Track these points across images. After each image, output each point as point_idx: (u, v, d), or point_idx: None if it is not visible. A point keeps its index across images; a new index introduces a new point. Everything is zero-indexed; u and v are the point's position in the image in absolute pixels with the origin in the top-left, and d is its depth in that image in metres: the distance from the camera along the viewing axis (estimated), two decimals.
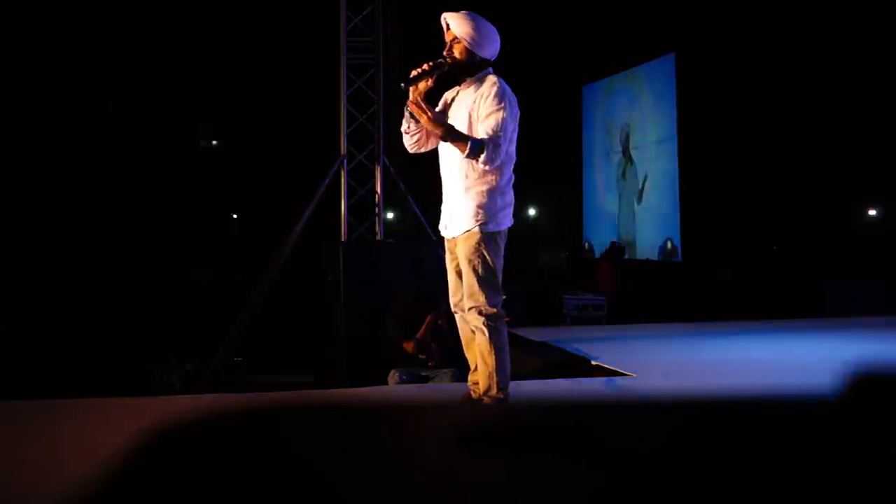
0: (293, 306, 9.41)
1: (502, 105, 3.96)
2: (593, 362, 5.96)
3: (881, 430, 0.60)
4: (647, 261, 13.09)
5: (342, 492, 0.56)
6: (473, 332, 4.12)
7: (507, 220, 4.10)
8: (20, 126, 14.30)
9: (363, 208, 9.17)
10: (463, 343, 4.26)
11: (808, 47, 11.43)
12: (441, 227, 4.25)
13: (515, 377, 4.77)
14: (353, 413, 0.69)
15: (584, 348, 6.37)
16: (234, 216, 19.78)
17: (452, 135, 3.97)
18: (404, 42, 9.71)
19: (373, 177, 9.09)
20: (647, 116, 13.33)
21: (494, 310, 4.03)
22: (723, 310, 9.62)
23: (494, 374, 4.01)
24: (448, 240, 4.21)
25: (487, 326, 4.01)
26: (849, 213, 12.53)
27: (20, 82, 14.13)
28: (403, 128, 4.21)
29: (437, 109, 4.20)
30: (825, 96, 11.28)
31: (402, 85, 4.11)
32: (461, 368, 6.35)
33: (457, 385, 5.90)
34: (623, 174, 15.44)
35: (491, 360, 4.01)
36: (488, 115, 3.96)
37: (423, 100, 4.03)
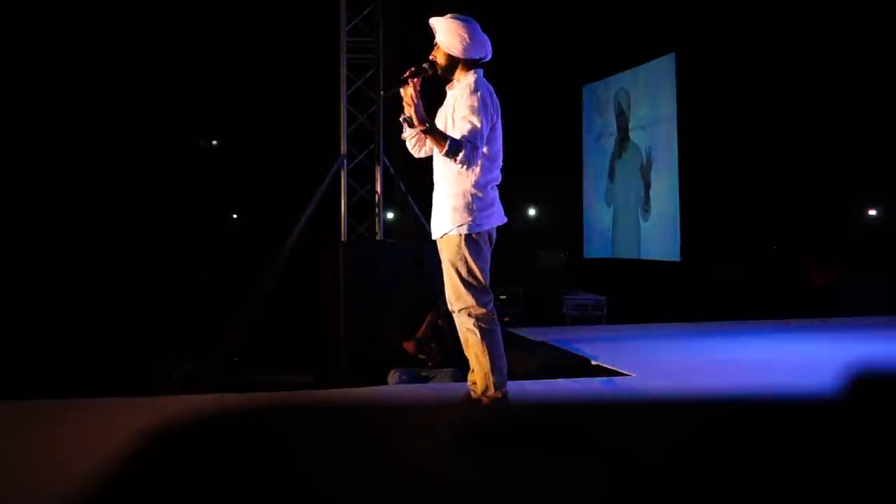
0: (293, 306, 9.40)
1: (475, 107, 3.97)
2: (593, 362, 5.96)
3: (881, 430, 0.60)
4: (647, 261, 13.08)
5: (341, 492, 0.56)
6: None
7: (487, 221, 4.10)
8: (19, 126, 14.30)
9: (363, 208, 9.17)
10: (462, 342, 4.27)
11: (808, 46, 11.44)
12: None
13: (515, 377, 4.77)
14: (353, 413, 0.69)
15: (584, 348, 6.37)
16: (234, 216, 19.79)
17: (434, 131, 3.97)
18: (404, 42, 9.70)
19: (373, 177, 9.09)
20: (646, 116, 13.30)
21: (484, 310, 4.03)
22: (723, 310, 9.61)
23: (490, 375, 4.01)
24: (436, 241, 4.23)
25: (478, 328, 4.01)
26: (849, 213, 12.53)
27: (20, 82, 14.13)
28: (403, 135, 4.26)
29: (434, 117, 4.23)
30: (825, 96, 11.28)
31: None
32: (461, 368, 6.35)
33: (457, 385, 5.90)
34: (611, 173, 14.22)
35: (485, 361, 4.01)
36: (462, 119, 3.98)
37: (417, 95, 4.03)
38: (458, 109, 4.03)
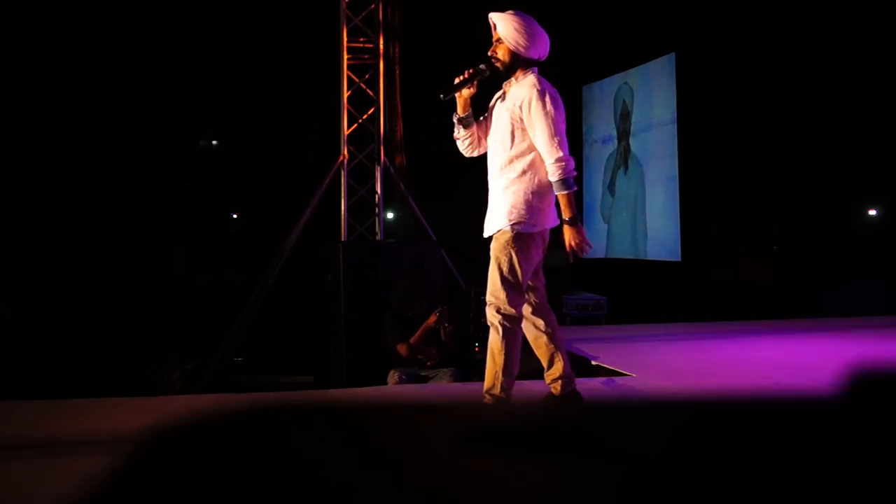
0: (293, 306, 9.40)
1: (547, 108, 3.98)
2: (593, 362, 5.96)
3: (881, 430, 0.60)
4: (647, 261, 13.07)
5: (341, 492, 0.56)
6: (489, 326, 4.11)
7: (542, 222, 4.10)
8: (20, 125, 14.31)
9: (363, 208, 9.18)
10: (531, 344, 4.22)
11: (808, 46, 11.44)
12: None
13: (517, 376, 4.75)
14: (353, 413, 0.69)
15: (584, 348, 6.37)
16: (234, 216, 19.79)
17: (573, 212, 4.05)
18: (404, 43, 9.72)
19: (373, 177, 9.09)
20: (645, 116, 13.28)
21: (513, 311, 4.02)
22: (723, 310, 9.61)
23: (500, 375, 4.01)
24: (486, 240, 4.23)
25: (503, 326, 4.00)
26: (849, 213, 12.53)
27: (20, 81, 14.13)
28: (454, 134, 4.26)
29: (485, 115, 4.27)
30: (825, 96, 11.29)
31: (441, 96, 4.14)
32: (460, 368, 6.36)
33: (457, 385, 5.91)
34: (611, 186, 13.68)
35: (500, 360, 4.00)
36: (539, 122, 3.99)
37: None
38: (530, 115, 4.02)
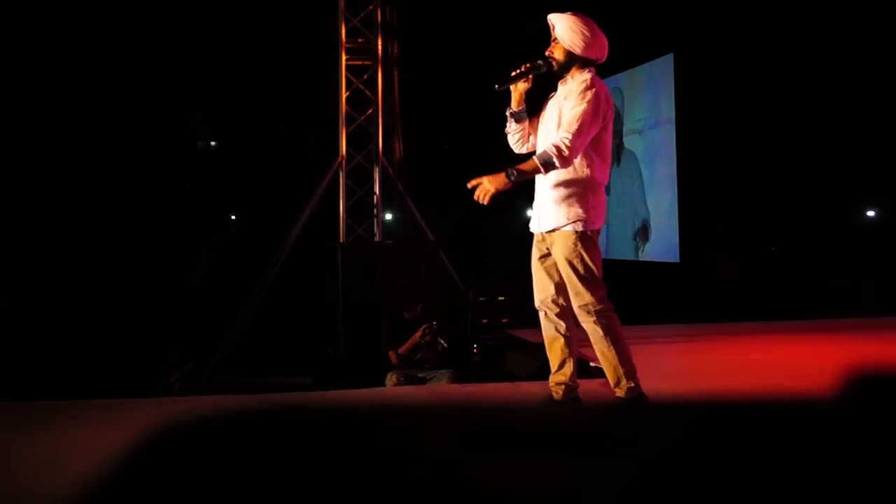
0: (292, 307, 9.40)
1: (586, 100, 3.99)
2: (592, 363, 5.95)
3: (881, 430, 0.60)
4: (647, 261, 13.06)
5: (342, 491, 0.56)
6: (565, 331, 4.11)
7: (598, 220, 4.11)
8: (19, 125, 14.30)
9: (362, 209, 9.18)
10: (546, 344, 4.22)
11: (806, 45, 11.44)
12: (532, 223, 4.25)
13: (516, 378, 4.75)
14: (352, 415, 0.69)
15: (585, 348, 6.36)
16: (233, 217, 19.78)
17: (519, 174, 3.95)
18: (402, 44, 9.71)
19: (371, 178, 9.09)
20: (644, 117, 13.27)
21: (602, 305, 4.02)
22: (723, 310, 9.60)
23: (620, 367, 4.01)
24: (536, 234, 4.21)
25: (600, 323, 4.00)
26: (848, 214, 12.51)
27: (19, 81, 14.12)
28: (506, 129, 4.29)
29: (538, 113, 4.28)
30: (824, 96, 11.28)
31: (496, 87, 4.16)
32: (458, 370, 6.35)
33: (453, 387, 5.91)
34: (608, 183, 14.19)
35: (612, 354, 4.01)
36: (571, 110, 4.00)
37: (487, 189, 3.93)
38: (569, 100, 4.05)
